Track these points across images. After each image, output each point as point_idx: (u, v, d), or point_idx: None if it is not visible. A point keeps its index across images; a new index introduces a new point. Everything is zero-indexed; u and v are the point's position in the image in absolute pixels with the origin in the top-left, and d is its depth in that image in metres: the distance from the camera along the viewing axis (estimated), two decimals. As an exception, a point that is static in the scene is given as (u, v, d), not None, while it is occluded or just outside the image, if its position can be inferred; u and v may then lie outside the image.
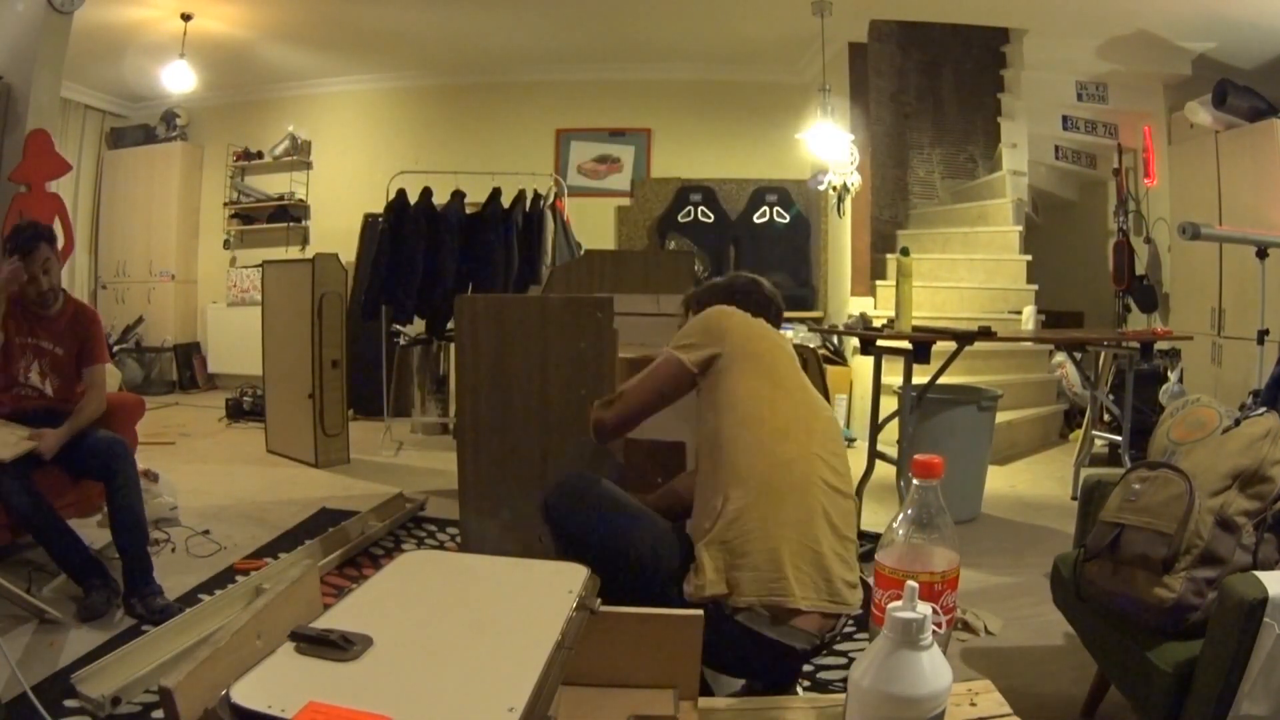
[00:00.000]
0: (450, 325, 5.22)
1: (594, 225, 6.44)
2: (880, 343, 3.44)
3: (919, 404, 3.26)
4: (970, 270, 5.64)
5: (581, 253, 5.17)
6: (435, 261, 4.88)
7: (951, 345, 3.21)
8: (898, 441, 3.23)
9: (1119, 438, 3.87)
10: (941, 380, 3.33)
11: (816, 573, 1.47)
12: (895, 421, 3.29)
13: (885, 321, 3.54)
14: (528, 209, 5.12)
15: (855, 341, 3.87)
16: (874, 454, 3.53)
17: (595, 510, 1.55)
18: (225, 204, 7.30)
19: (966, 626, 2.46)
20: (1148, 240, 5.76)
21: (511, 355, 2.20)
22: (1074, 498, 3.63)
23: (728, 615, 1.42)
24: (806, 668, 1.95)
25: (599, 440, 1.80)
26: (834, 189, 5.04)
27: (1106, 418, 4.56)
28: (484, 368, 2.24)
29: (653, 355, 1.68)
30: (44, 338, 2.65)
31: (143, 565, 2.41)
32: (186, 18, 5.44)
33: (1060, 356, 5.34)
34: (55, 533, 2.40)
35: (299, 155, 7.13)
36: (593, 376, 2.09)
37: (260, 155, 7.25)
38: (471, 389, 2.27)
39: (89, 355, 2.68)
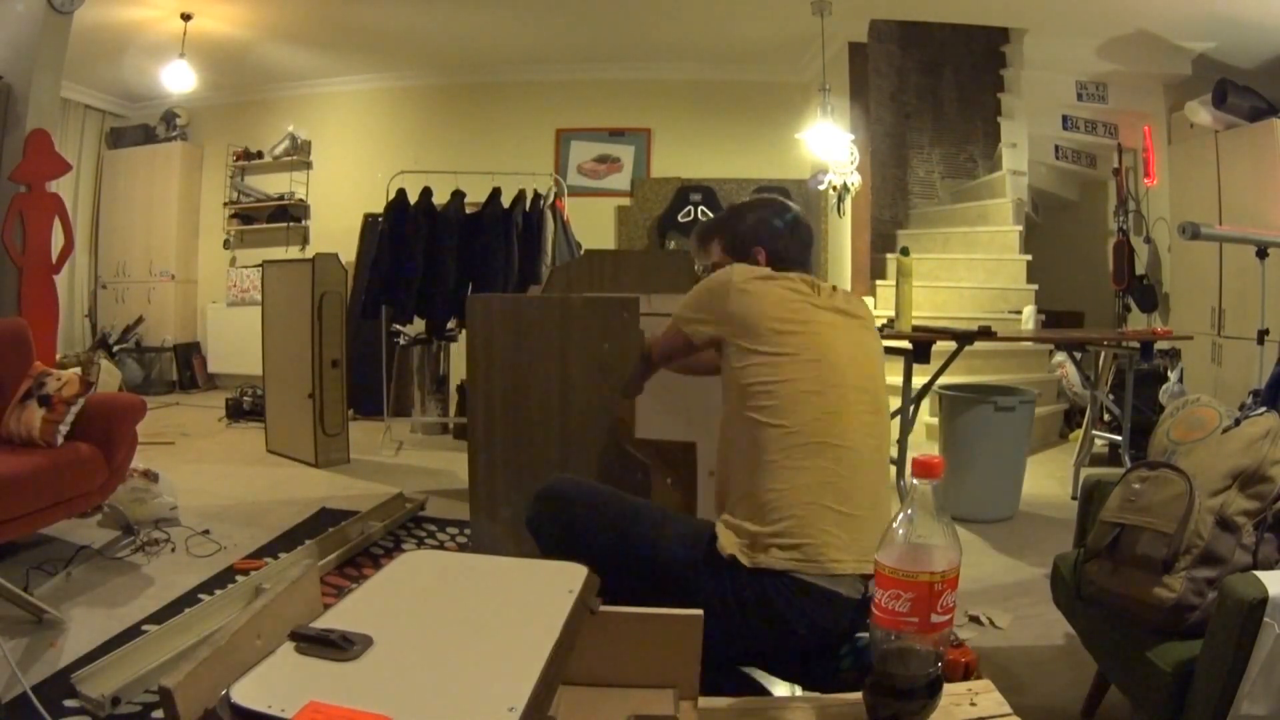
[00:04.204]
0: (450, 325, 5.22)
1: (594, 225, 6.42)
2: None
3: (948, 403, 3.25)
4: (970, 270, 5.64)
5: (581, 252, 5.17)
6: (435, 261, 4.88)
7: (951, 345, 3.22)
8: (897, 441, 3.23)
9: (1119, 438, 3.87)
10: (974, 380, 3.31)
11: (849, 536, 1.36)
12: (895, 421, 3.29)
13: (885, 321, 3.54)
14: (528, 209, 5.12)
15: (855, 341, 3.85)
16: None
17: (590, 511, 1.46)
18: (225, 204, 7.30)
19: (974, 620, 2.46)
20: (1148, 240, 5.77)
21: (528, 357, 2.15)
22: (1074, 498, 3.62)
23: (762, 572, 1.32)
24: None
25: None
26: (834, 189, 5.03)
27: (1106, 418, 4.56)
28: (497, 369, 2.20)
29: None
30: None
31: None
32: (186, 18, 5.44)
33: (1060, 356, 5.34)
34: None
35: (299, 155, 7.12)
36: (616, 379, 2.04)
37: (260, 155, 7.24)
38: (484, 391, 2.21)
39: None
